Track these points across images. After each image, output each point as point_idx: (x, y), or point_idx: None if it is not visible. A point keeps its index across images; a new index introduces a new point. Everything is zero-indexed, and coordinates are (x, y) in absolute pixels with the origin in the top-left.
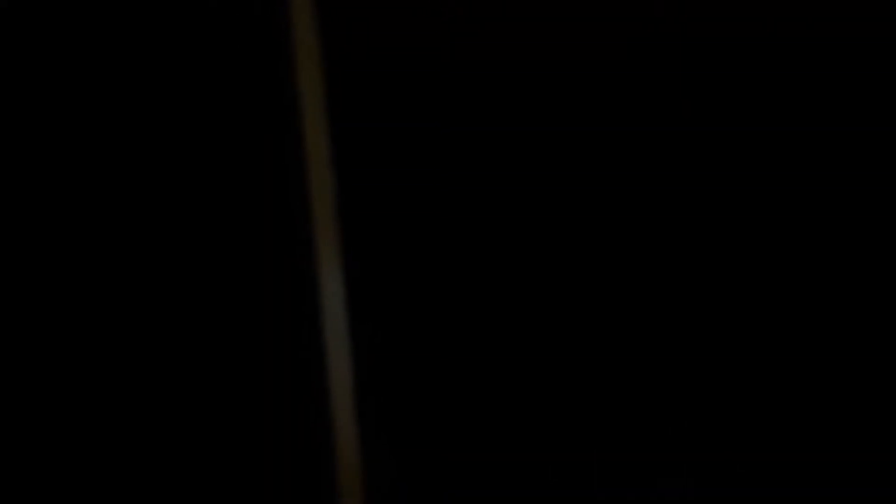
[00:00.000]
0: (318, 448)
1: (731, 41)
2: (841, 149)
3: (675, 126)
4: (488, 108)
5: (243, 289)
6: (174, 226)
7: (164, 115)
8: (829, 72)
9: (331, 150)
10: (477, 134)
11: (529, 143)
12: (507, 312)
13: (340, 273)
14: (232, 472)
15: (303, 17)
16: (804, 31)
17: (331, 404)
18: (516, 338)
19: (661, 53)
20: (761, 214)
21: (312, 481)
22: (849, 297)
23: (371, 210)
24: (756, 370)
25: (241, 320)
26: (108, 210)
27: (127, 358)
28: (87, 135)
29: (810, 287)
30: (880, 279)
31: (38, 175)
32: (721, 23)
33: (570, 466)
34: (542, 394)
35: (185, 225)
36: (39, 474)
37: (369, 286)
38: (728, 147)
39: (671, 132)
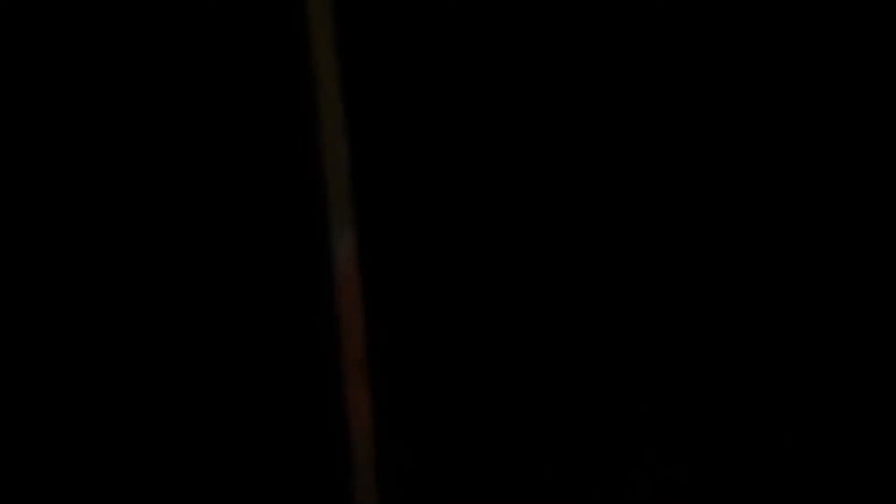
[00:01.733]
0: (333, 443)
1: (731, 41)
2: (841, 148)
3: (675, 125)
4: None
5: (256, 273)
6: (181, 207)
7: (175, 94)
8: (829, 71)
9: (347, 124)
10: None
11: (539, 134)
12: (531, 304)
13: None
14: (243, 466)
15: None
16: (804, 30)
17: (346, 396)
18: (538, 330)
19: (660, 53)
20: (760, 214)
21: (327, 476)
22: (848, 297)
23: (388, 192)
24: (757, 371)
25: (254, 299)
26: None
27: (132, 343)
28: (100, 112)
29: (809, 288)
30: (880, 279)
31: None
32: (721, 22)
33: (589, 465)
34: (566, 389)
35: (196, 204)
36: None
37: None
38: (728, 147)
39: (671, 132)
